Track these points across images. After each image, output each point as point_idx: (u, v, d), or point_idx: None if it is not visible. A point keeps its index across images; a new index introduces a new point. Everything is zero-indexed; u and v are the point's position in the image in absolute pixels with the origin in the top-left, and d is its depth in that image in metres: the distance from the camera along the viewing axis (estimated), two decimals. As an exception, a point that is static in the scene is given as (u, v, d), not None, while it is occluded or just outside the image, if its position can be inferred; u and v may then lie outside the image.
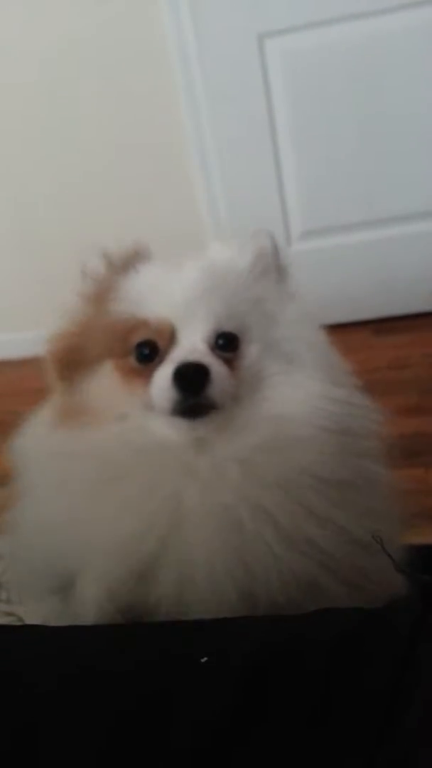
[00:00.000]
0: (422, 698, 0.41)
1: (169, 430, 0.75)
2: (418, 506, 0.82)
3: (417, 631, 0.47)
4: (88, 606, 0.66)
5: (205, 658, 0.42)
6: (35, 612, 0.80)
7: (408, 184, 2.09)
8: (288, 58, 2.05)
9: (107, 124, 2.25)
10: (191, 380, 0.72)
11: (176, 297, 0.77)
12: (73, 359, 0.81)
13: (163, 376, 0.73)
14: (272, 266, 0.85)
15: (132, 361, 0.77)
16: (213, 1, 2.00)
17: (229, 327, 0.77)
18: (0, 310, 2.58)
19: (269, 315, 0.81)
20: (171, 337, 0.76)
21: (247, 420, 0.76)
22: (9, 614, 1.13)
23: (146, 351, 0.76)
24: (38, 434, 0.82)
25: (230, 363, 0.76)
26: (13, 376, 2.36)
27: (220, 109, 2.12)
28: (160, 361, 0.76)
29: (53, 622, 0.67)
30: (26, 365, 2.54)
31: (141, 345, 0.77)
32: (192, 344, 0.75)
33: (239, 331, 0.78)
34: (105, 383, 0.79)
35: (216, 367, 0.74)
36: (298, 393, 0.77)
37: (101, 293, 0.83)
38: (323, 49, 2.01)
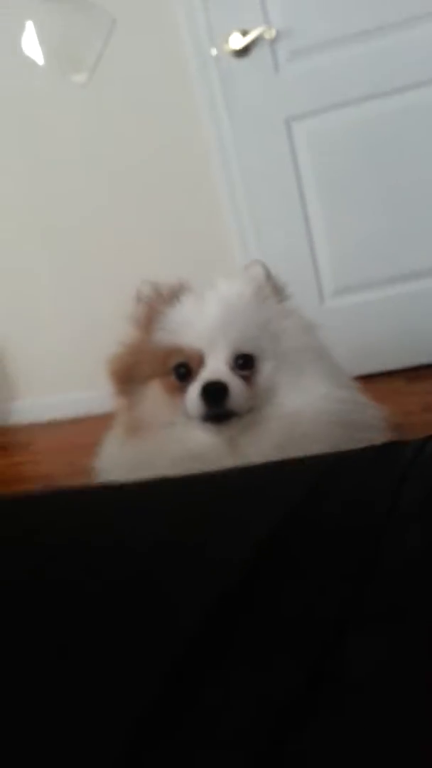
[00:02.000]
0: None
1: (205, 433, 0.94)
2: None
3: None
4: None
5: None
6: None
7: (426, 243, 2.22)
8: (313, 137, 2.22)
9: (155, 205, 2.40)
10: (214, 395, 0.92)
11: (203, 329, 0.96)
12: (127, 377, 1.03)
13: (194, 391, 0.94)
14: (270, 290, 1.03)
15: (172, 379, 0.98)
16: (244, 92, 2.19)
17: (245, 349, 0.97)
18: (56, 373, 2.69)
19: (275, 333, 0.99)
20: (200, 360, 0.96)
21: (266, 423, 0.94)
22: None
23: (183, 371, 0.97)
24: (110, 450, 1.02)
25: (248, 378, 0.96)
26: (71, 433, 2.53)
27: (255, 186, 2.28)
28: (193, 380, 0.96)
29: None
30: (81, 423, 2.74)
31: (178, 366, 0.98)
32: (216, 366, 0.95)
33: (255, 351, 0.97)
34: (154, 398, 1.00)
35: (234, 383, 0.93)
36: (306, 396, 0.95)
37: (149, 320, 1.03)
38: (344, 128, 2.19)
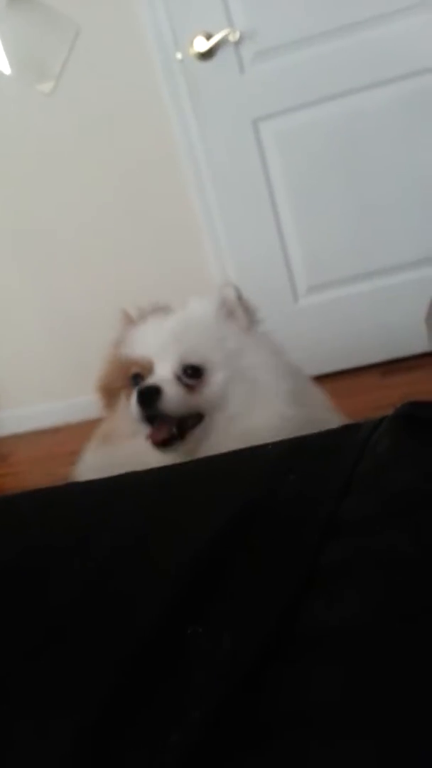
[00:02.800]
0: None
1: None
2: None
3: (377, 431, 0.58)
4: None
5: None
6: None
7: (396, 238, 2.25)
8: (281, 137, 2.24)
9: (127, 209, 2.42)
10: (145, 397, 0.98)
11: (153, 342, 1.05)
12: (108, 391, 1.12)
13: (133, 396, 1.01)
14: (240, 311, 1.09)
15: (132, 388, 1.04)
16: (210, 94, 2.21)
17: (192, 360, 1.03)
18: (35, 382, 2.68)
19: (234, 349, 1.05)
20: (150, 369, 1.04)
21: (221, 437, 0.99)
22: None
23: (136, 380, 1.05)
24: (85, 457, 1.09)
25: (194, 387, 1.02)
26: (50, 442, 2.52)
27: (225, 186, 2.30)
28: None
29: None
30: (60, 432, 2.72)
31: (134, 376, 1.06)
32: (160, 373, 1.02)
33: (203, 363, 1.03)
34: (121, 407, 1.08)
35: (169, 388, 1.00)
36: (262, 413, 1.00)
37: (119, 341, 1.11)
38: (311, 127, 2.21)
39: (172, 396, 1.00)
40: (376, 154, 2.21)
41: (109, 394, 1.12)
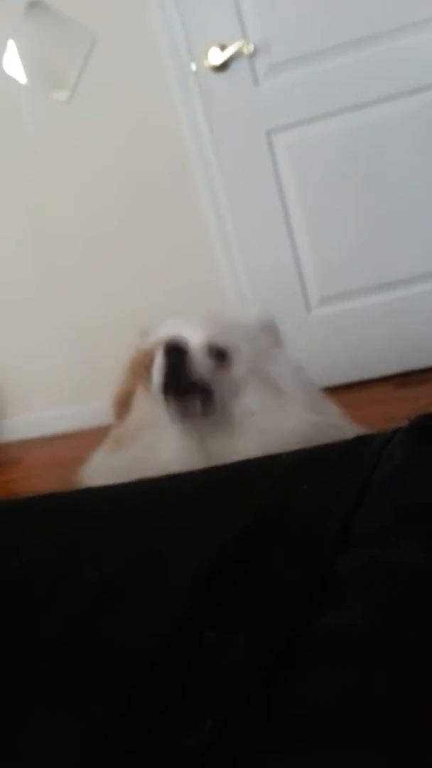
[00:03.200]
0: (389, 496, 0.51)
1: (176, 439, 0.94)
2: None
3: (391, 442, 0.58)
4: None
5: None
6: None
7: (410, 250, 2.24)
8: (294, 149, 2.24)
9: (141, 218, 2.42)
10: (175, 350, 0.91)
11: (183, 323, 0.99)
12: (124, 401, 1.06)
13: (158, 356, 0.93)
14: (273, 338, 1.06)
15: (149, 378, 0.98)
16: (224, 106, 2.22)
17: (220, 343, 0.97)
18: (47, 387, 2.69)
19: (261, 352, 1.01)
20: None
21: (238, 430, 0.94)
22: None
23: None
24: (95, 461, 1.03)
25: (220, 367, 0.96)
26: (61, 448, 2.53)
27: (238, 198, 2.30)
28: None
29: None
30: (71, 438, 2.73)
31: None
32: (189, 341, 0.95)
33: (229, 348, 0.98)
34: (139, 401, 1.01)
35: (197, 350, 0.93)
36: (282, 415, 0.95)
37: (142, 364, 1.03)
38: (325, 139, 2.21)
39: (201, 356, 0.94)
40: (389, 166, 2.21)
41: (125, 404, 1.06)
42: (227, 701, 0.36)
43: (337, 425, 1.00)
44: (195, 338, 0.96)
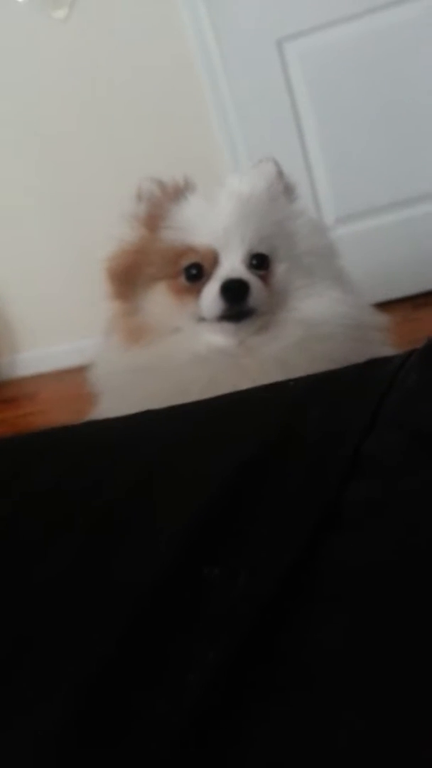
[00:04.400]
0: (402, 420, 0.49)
1: (218, 335, 0.91)
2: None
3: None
4: None
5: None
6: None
7: (430, 163, 2.15)
8: (306, 58, 2.14)
9: (146, 141, 2.34)
10: (236, 292, 0.89)
11: (217, 227, 0.92)
12: (129, 277, 0.97)
13: (212, 290, 0.91)
14: (281, 188, 1.00)
15: (182, 280, 0.94)
16: (232, 14, 2.11)
17: (260, 249, 0.93)
18: (59, 321, 2.66)
19: (289, 233, 0.96)
20: (214, 259, 0.93)
21: (281, 325, 0.92)
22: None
23: (194, 272, 0.93)
24: (110, 357, 0.98)
25: (263, 278, 0.93)
26: (77, 381, 2.52)
27: (248, 112, 2.21)
28: (207, 280, 0.92)
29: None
30: (84, 372, 2.73)
31: (190, 267, 0.93)
32: (232, 264, 0.92)
33: (269, 251, 0.94)
34: (160, 301, 0.95)
35: (254, 281, 0.91)
36: (321, 301, 0.94)
37: (155, 218, 0.97)
38: (338, 47, 2.10)
39: (260, 291, 0.91)
40: (410, 72, 2.10)
41: (129, 282, 0.97)
42: (229, 634, 0.34)
43: (367, 305, 0.99)
44: (236, 259, 0.92)
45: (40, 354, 2.74)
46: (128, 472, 0.47)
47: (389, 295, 2.22)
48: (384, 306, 2.18)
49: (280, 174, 1.01)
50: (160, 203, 0.98)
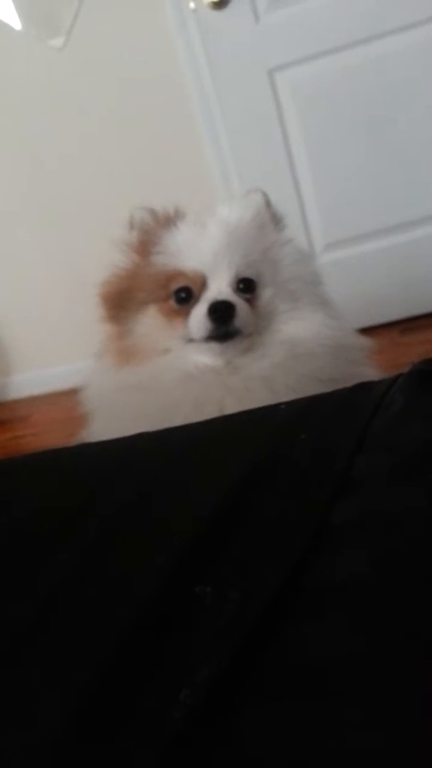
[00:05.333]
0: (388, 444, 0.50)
1: (205, 355, 0.94)
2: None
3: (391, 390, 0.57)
4: None
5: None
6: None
7: (416, 191, 2.19)
8: (297, 87, 2.18)
9: (141, 169, 2.36)
10: (223, 313, 0.92)
11: (206, 252, 0.96)
12: (121, 301, 1.01)
13: (200, 312, 0.94)
14: (269, 217, 1.03)
15: (172, 303, 0.97)
16: (225, 44, 2.15)
17: (247, 274, 0.97)
18: (52, 344, 2.68)
19: (274, 260, 1.00)
20: (203, 283, 0.96)
21: (266, 346, 0.96)
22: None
23: (183, 295, 0.97)
24: (101, 378, 1.01)
25: (250, 302, 0.97)
26: (69, 404, 2.52)
27: (240, 140, 2.25)
28: (196, 302, 0.96)
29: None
30: (77, 394, 2.73)
31: (179, 290, 0.97)
32: (219, 288, 0.95)
33: (255, 276, 0.98)
34: (151, 323, 0.99)
35: (240, 303, 0.94)
36: (304, 324, 0.97)
37: (147, 244, 1.01)
38: (327, 76, 2.14)
39: (246, 313, 0.94)
40: (397, 103, 2.14)
41: (120, 306, 1.01)
42: (221, 652, 0.35)
43: (350, 329, 1.03)
44: (223, 283, 0.96)
45: (33, 376, 2.74)
46: (122, 492, 0.48)
47: (377, 320, 2.25)
48: (372, 331, 2.22)
49: (267, 204, 1.05)
50: (151, 231, 1.02)
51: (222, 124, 2.24)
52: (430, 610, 0.36)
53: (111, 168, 2.41)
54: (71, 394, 2.78)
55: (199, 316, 0.94)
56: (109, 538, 0.45)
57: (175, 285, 0.97)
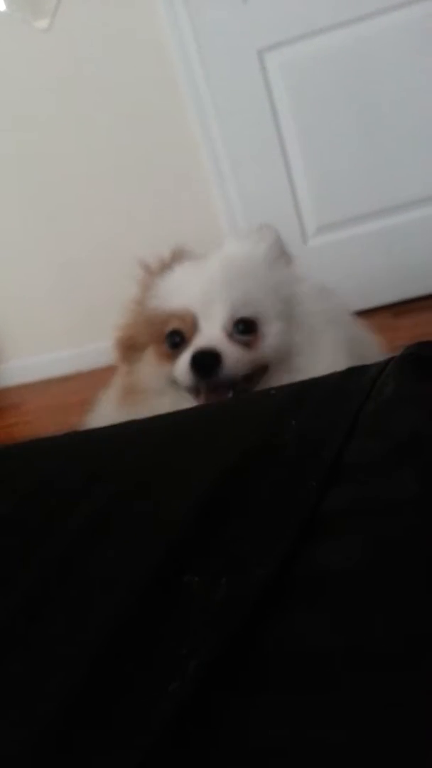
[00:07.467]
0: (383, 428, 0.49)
1: (196, 401, 0.90)
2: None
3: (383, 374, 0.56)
4: None
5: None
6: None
7: (409, 173, 2.17)
8: (287, 68, 2.16)
9: (130, 148, 2.35)
10: (204, 365, 0.86)
11: (196, 291, 0.91)
12: (129, 346, 1.00)
13: (184, 360, 0.88)
14: (278, 253, 0.98)
15: (166, 346, 0.94)
16: (214, 24, 2.12)
17: (245, 313, 0.90)
18: (43, 331, 2.67)
19: (287, 296, 0.93)
20: (194, 325, 0.90)
21: (280, 383, 0.92)
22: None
23: (177, 339, 0.92)
24: (105, 410, 1.00)
25: (250, 344, 0.90)
26: (61, 391, 2.52)
27: (230, 122, 2.23)
28: (186, 347, 0.91)
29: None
30: (70, 381, 2.72)
31: (171, 333, 0.93)
32: (210, 332, 0.89)
33: (257, 314, 0.91)
34: (148, 365, 0.97)
35: (229, 351, 0.87)
36: (324, 360, 0.88)
37: (143, 293, 0.99)
38: (318, 56, 2.12)
39: (233, 360, 0.87)
40: (388, 83, 2.12)
41: (130, 348, 1.00)
42: (211, 643, 0.35)
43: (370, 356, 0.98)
44: (215, 325, 0.90)
45: (25, 364, 2.73)
46: (110, 481, 0.48)
47: (369, 303, 2.24)
48: (364, 314, 2.21)
49: (277, 240, 1.01)
50: (149, 277, 1.01)
51: (212, 105, 2.22)
52: (423, 597, 0.36)
53: (100, 152, 2.38)
54: (63, 381, 2.78)
55: (183, 365, 0.89)
56: (97, 528, 0.44)
57: (168, 328, 0.93)
